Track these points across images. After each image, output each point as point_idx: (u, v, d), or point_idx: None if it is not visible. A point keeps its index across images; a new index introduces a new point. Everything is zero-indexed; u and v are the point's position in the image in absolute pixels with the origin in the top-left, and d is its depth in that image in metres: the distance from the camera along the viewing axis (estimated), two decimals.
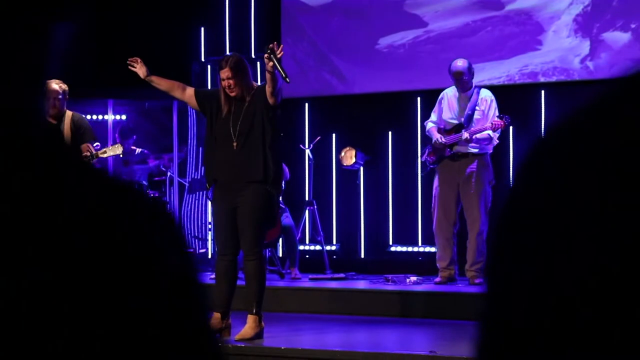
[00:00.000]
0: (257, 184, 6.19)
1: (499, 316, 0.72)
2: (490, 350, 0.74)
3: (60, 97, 7.33)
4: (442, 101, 8.51)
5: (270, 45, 5.98)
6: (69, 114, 7.44)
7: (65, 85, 7.43)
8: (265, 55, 5.99)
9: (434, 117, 8.56)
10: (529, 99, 9.33)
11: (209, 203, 10.08)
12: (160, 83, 6.46)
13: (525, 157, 0.74)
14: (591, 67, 9.08)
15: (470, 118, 8.31)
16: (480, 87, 8.52)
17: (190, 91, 6.44)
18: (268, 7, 10.61)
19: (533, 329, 0.69)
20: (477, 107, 8.34)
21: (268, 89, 6.12)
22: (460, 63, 8.35)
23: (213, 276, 8.04)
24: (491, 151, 8.37)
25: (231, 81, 6.19)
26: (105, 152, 7.33)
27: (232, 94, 6.23)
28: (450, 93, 8.49)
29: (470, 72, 8.36)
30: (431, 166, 8.59)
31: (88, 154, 7.20)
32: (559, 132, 0.73)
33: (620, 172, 0.65)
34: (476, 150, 8.28)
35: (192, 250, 9.36)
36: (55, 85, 7.30)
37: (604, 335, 0.65)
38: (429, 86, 8.68)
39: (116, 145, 7.42)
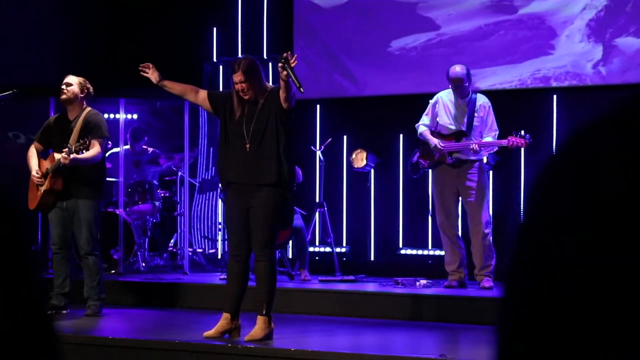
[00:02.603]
0: (270, 187, 6.20)
1: (519, 317, 0.72)
2: (509, 352, 0.73)
3: (71, 88, 7.52)
4: (437, 105, 8.38)
5: (285, 55, 6.01)
6: (87, 110, 7.54)
7: (85, 82, 7.58)
8: (280, 64, 6.02)
9: (426, 120, 8.44)
10: (540, 103, 9.32)
11: (220, 203, 10.14)
12: (174, 87, 6.47)
13: (545, 167, 0.74)
14: (603, 72, 9.05)
15: (471, 125, 8.24)
16: (476, 92, 8.45)
17: (203, 94, 6.45)
18: (280, 8, 10.61)
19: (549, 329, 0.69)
20: (475, 114, 8.27)
21: (282, 95, 6.16)
22: (459, 69, 8.25)
23: (223, 276, 8.07)
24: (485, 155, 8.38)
25: (244, 84, 6.21)
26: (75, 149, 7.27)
27: (246, 97, 6.26)
28: (445, 97, 8.37)
29: (469, 78, 8.26)
30: (425, 170, 8.57)
31: (66, 149, 7.25)
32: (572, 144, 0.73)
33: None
34: (475, 157, 8.23)
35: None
36: (72, 77, 7.57)
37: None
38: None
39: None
